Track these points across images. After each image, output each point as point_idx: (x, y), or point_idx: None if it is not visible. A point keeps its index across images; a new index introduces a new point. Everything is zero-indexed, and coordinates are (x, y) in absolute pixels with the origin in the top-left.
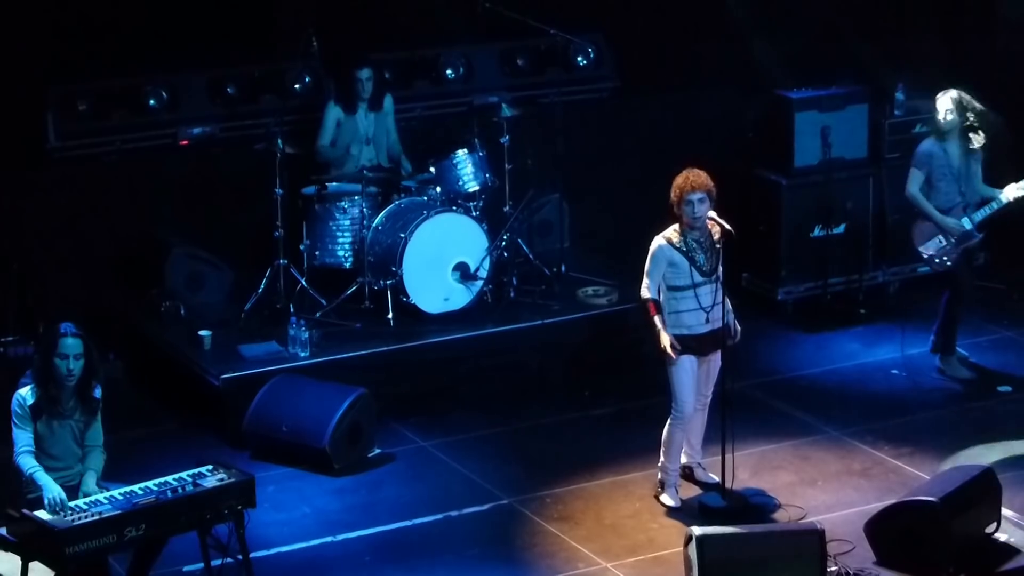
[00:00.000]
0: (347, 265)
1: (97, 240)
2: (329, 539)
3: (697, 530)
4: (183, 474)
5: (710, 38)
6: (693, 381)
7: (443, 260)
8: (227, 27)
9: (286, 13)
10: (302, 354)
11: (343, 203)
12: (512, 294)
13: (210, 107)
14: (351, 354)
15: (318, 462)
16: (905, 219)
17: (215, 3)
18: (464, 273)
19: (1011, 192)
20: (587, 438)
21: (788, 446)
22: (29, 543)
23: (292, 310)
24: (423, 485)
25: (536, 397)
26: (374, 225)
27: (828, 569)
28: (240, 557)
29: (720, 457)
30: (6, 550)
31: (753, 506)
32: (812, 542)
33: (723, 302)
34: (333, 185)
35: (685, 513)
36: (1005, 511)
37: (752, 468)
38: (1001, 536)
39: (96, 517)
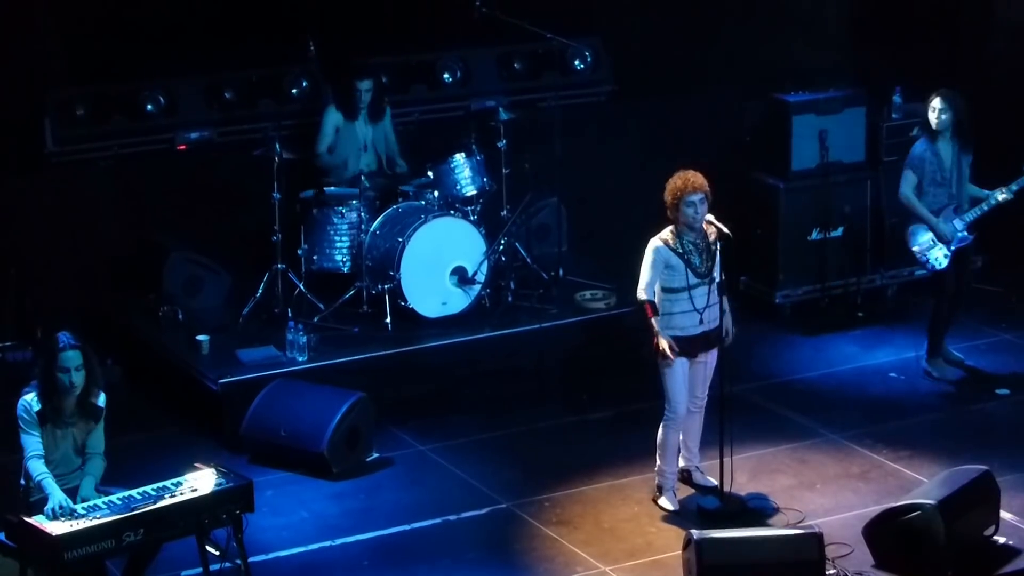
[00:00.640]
0: (345, 269)
1: (95, 245)
2: (328, 543)
3: (696, 533)
4: (180, 478)
5: (707, 42)
6: (685, 382)
7: (441, 264)
8: (225, 32)
9: (284, 18)
10: (300, 358)
11: (341, 208)
12: (510, 298)
13: (208, 112)
14: (349, 358)
15: (316, 466)
16: (903, 222)
17: (213, 8)
18: (462, 277)
19: (1000, 194)
20: (585, 442)
21: (786, 449)
22: (27, 548)
23: (290, 314)
24: (421, 489)
25: (534, 401)
26: (372, 229)
27: (827, 572)
28: (239, 561)
29: (718, 460)
30: (5, 555)
31: (751, 509)
32: (811, 545)
33: (720, 302)
34: (331, 190)
35: (683, 517)
36: (1004, 513)
37: (750, 471)
38: (1000, 539)
39: (94, 522)
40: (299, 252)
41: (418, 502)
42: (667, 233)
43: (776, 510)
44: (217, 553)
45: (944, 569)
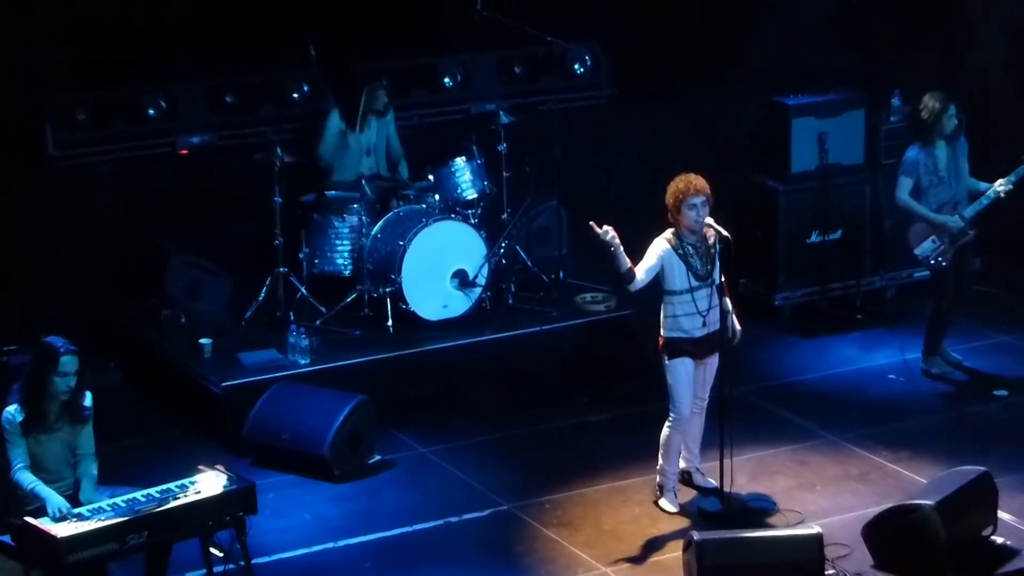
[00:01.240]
0: (346, 273)
1: (97, 249)
2: (330, 545)
3: (696, 535)
4: (184, 481)
5: (707, 45)
6: (690, 384)
7: (442, 267)
8: (225, 36)
9: (284, 22)
10: (302, 361)
11: (342, 211)
12: (510, 301)
13: (209, 116)
14: (351, 361)
15: (318, 469)
16: (902, 224)
17: (213, 12)
18: (463, 280)
19: (1000, 186)
20: (586, 444)
21: (786, 451)
22: (31, 551)
23: (292, 318)
24: (423, 491)
25: (535, 403)
26: (373, 233)
27: (826, 573)
28: (242, 563)
29: (719, 462)
30: (9, 558)
31: (751, 511)
32: (810, 546)
33: (721, 304)
34: (332, 193)
35: (684, 518)
36: (1002, 514)
37: (750, 473)
38: (998, 539)
39: (98, 524)
40: (300, 256)
41: (419, 504)
42: (668, 235)
43: (776, 511)
44: (221, 555)
45: (943, 569)
